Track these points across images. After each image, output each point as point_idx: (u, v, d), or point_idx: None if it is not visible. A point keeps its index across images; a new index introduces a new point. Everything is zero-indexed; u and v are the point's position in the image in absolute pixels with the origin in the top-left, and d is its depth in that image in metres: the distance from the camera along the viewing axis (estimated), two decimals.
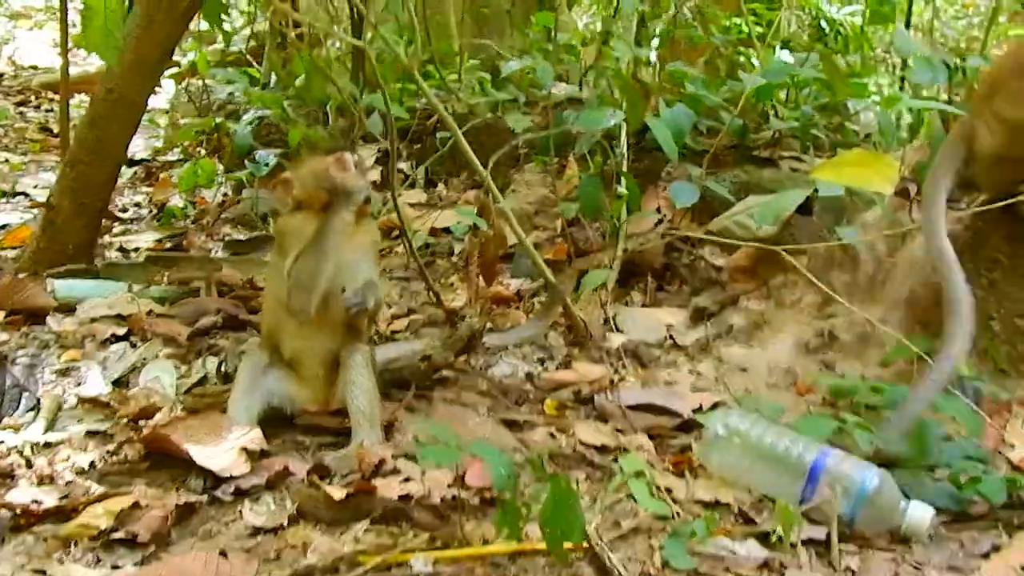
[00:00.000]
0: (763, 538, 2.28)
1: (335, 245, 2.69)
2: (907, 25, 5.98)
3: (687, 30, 5.31)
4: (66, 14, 4.76)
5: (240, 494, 2.32)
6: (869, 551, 2.28)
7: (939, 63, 3.83)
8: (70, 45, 4.54)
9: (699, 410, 2.95)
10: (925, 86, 4.16)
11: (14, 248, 4.23)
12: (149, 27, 3.61)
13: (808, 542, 2.26)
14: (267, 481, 2.36)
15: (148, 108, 4.08)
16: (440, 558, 2.08)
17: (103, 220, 4.15)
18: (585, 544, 2.11)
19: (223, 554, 2.03)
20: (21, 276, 3.63)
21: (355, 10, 4.58)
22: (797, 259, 3.42)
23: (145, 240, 4.58)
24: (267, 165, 4.85)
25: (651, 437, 2.79)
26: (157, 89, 6.46)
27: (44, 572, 1.98)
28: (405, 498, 2.28)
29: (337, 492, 2.25)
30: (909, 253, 3.35)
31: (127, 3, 3.62)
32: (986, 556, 2.28)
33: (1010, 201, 3.03)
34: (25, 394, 2.77)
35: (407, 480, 2.35)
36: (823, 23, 7.09)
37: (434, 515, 2.25)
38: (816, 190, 3.62)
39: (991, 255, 3.16)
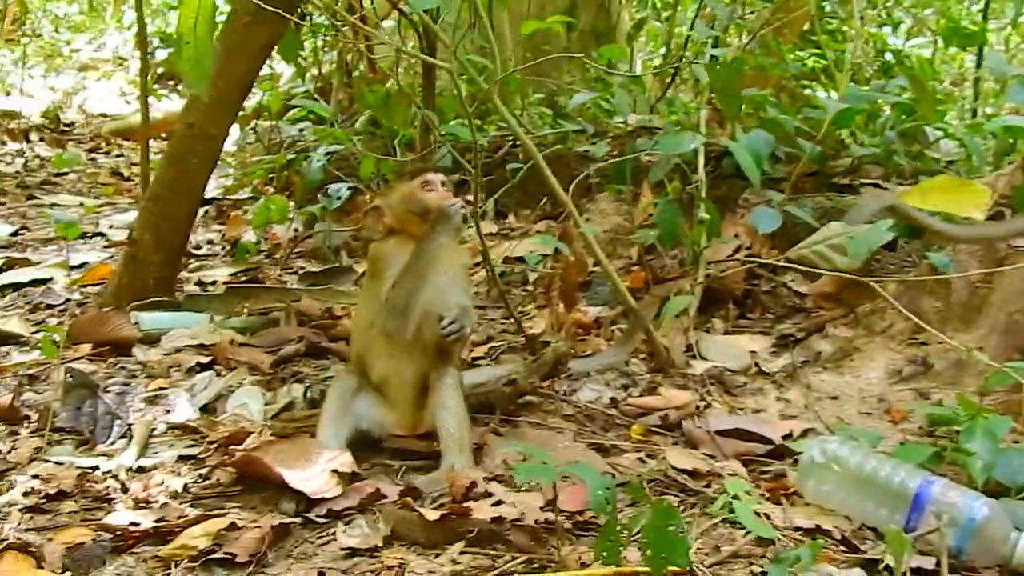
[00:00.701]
0: (868, 566, 2.20)
1: (431, 269, 2.68)
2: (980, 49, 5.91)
3: (756, 59, 5.27)
4: (146, 59, 4.85)
5: (333, 516, 2.31)
6: None
7: None
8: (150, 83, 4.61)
9: (789, 437, 2.88)
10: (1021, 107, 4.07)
11: (95, 285, 4.28)
12: (228, 63, 3.65)
13: (916, 572, 2.17)
14: (359, 503, 2.34)
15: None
16: None
17: (183, 255, 4.19)
18: (687, 568, 2.05)
19: (321, 574, 2.00)
20: (105, 310, 3.66)
21: (425, 42, 4.59)
22: (885, 286, 3.35)
23: (221, 275, 4.61)
24: (339, 198, 4.88)
25: (742, 463, 2.73)
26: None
27: None
28: (498, 520, 2.24)
29: (431, 514, 2.22)
30: (1008, 279, 3.25)
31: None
32: None
33: None
34: (117, 422, 2.78)
35: (499, 503, 2.31)
36: (888, 55, 7.03)
37: (529, 537, 2.20)
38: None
39: None
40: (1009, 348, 3.12)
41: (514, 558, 2.13)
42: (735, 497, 2.37)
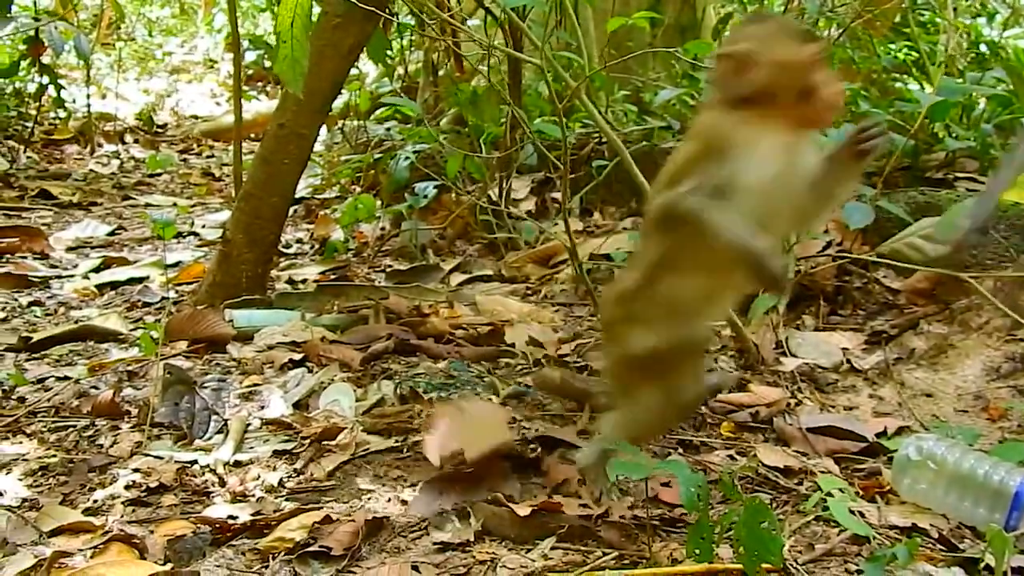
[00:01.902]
0: (967, 565, 2.16)
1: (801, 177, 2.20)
2: None
3: (845, 53, 5.18)
4: (239, 61, 4.95)
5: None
6: None
7: None
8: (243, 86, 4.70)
9: (883, 434, 2.83)
10: None
11: (189, 283, 4.39)
12: (318, 63, 3.70)
13: (1017, 572, 2.13)
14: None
15: None
16: None
17: (275, 253, 4.27)
18: (781, 566, 2.03)
19: (415, 568, 2.03)
20: (200, 308, 3.75)
21: (511, 40, 4.61)
22: (982, 283, 3.27)
23: (310, 273, 4.69)
24: (425, 197, 4.93)
25: (835, 461, 2.69)
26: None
27: None
28: (588, 517, 2.25)
29: (522, 509, 2.24)
30: None
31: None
32: None
33: None
34: (213, 417, 2.85)
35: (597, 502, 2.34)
36: (983, 47, 6.85)
37: (620, 533, 2.21)
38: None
39: None
40: None
41: (605, 554, 2.14)
42: (829, 494, 2.34)
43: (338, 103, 7.08)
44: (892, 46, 6.24)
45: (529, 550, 2.15)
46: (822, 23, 5.56)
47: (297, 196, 6.05)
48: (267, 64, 10.61)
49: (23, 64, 7.26)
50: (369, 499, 2.40)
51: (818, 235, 3.93)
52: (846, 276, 3.83)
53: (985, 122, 4.39)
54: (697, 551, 2.02)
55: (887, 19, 5.87)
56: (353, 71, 7.39)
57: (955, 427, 2.77)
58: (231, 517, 2.25)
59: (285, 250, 5.21)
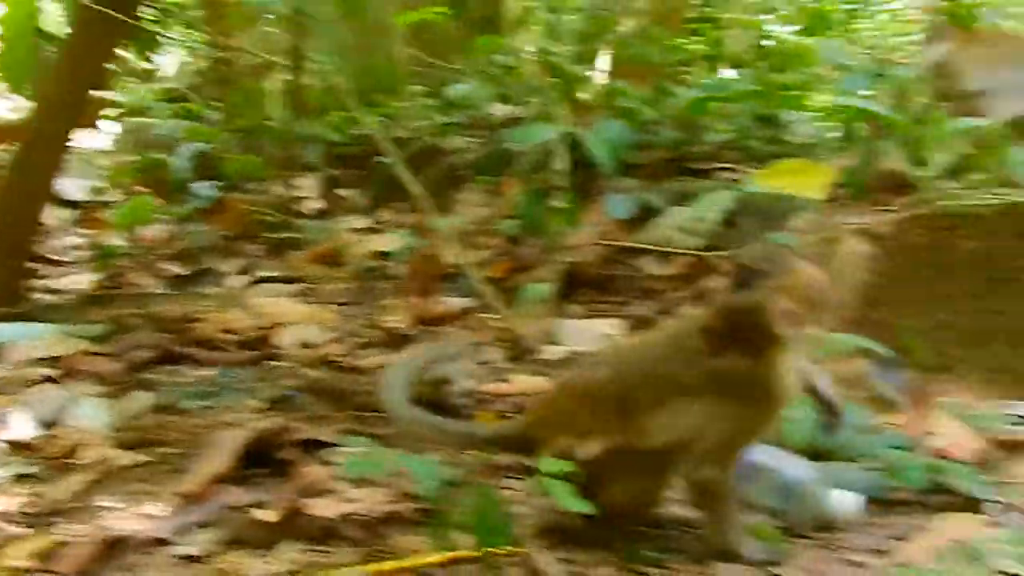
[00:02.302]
0: None
1: None
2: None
3: (632, 50, 5.37)
4: None
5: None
6: (798, 539, 2.31)
7: (866, 71, 3.92)
8: None
9: None
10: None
11: None
12: (70, 66, 3.60)
13: None
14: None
15: (86, 150, 4.05)
16: (371, 571, 2.08)
17: (29, 263, 4.09)
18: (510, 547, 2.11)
19: None
20: None
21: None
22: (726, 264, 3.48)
23: (82, 281, 4.53)
24: (206, 198, 4.84)
25: None
26: (98, 129, 6.49)
27: None
28: (346, 516, 2.28)
29: (269, 515, 2.25)
30: (836, 255, 3.40)
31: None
32: (907, 539, 2.32)
33: (939, 204, 3.11)
34: None
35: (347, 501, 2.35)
36: (765, 42, 7.21)
37: (365, 530, 2.24)
38: (739, 197, 3.66)
39: (916, 255, 3.22)
40: (840, 320, 3.25)
41: (352, 552, 2.17)
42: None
43: (123, 100, 6.91)
44: (682, 41, 6.51)
45: (274, 555, 2.16)
46: (611, 21, 5.77)
47: (76, 200, 5.87)
48: None
49: None
50: (113, 518, 2.33)
51: (588, 226, 4.08)
52: (613, 265, 4.00)
53: (742, 116, 4.66)
54: (435, 540, 2.09)
55: (678, 16, 6.12)
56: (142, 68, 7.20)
57: None
58: None
59: (59, 257, 5.02)
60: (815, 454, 2.59)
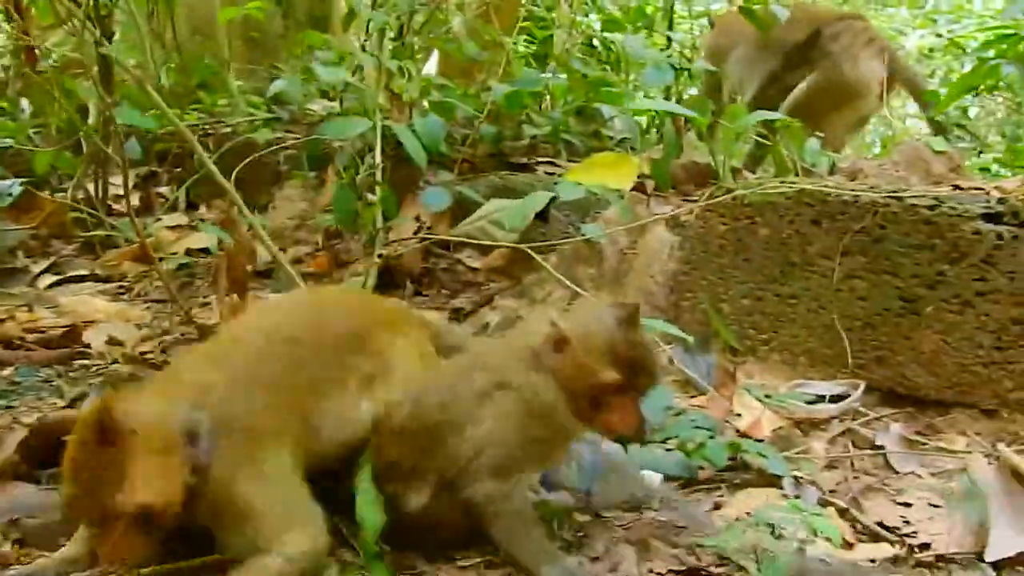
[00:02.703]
0: None
1: None
2: (670, 30, 6.36)
3: (457, 47, 5.41)
4: None
5: None
6: (605, 518, 2.39)
7: (666, 66, 4.08)
8: None
9: None
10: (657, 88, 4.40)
11: None
12: None
13: None
14: None
15: None
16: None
17: None
18: None
19: None
20: None
21: (100, 31, 4.44)
22: (546, 258, 3.56)
23: None
24: (10, 195, 4.63)
25: None
26: None
27: None
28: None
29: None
30: (645, 244, 3.53)
31: None
32: (709, 513, 2.44)
33: (735, 193, 3.25)
34: None
35: None
36: (594, 42, 7.40)
37: None
38: (554, 196, 3.74)
39: (718, 242, 3.36)
40: (648, 308, 3.38)
41: None
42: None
43: None
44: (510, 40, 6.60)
45: None
46: (436, 16, 5.80)
47: None
48: None
49: None
50: None
51: (407, 220, 4.11)
52: (433, 258, 4.04)
53: (555, 111, 4.77)
54: None
55: (508, 14, 6.19)
56: None
57: None
58: None
59: None
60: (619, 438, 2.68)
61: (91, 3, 3.91)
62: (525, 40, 6.87)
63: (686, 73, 4.13)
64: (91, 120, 4.99)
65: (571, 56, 5.77)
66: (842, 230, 3.02)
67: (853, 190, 3.04)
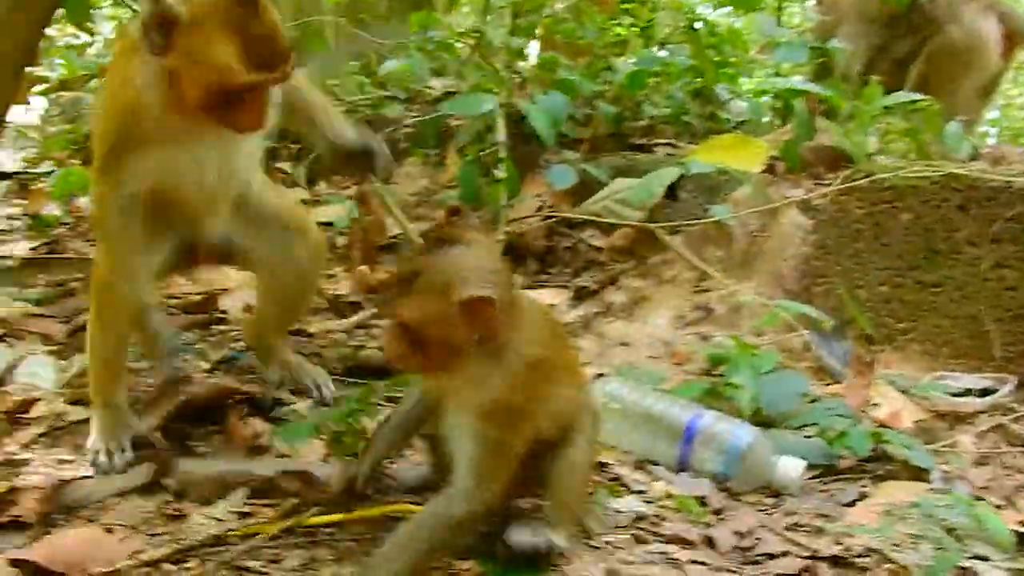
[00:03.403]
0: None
1: None
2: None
3: (564, 28, 5.40)
4: None
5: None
6: (744, 504, 2.38)
7: (800, 46, 4.01)
8: None
9: None
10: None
11: None
12: (6, 29, 3.51)
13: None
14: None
15: (19, 123, 3.95)
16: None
17: None
18: None
19: (108, 530, 2.03)
20: None
21: None
22: (673, 238, 3.55)
23: (20, 249, 4.45)
24: None
25: None
26: (28, 102, 6.36)
27: None
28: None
29: (210, 468, 2.27)
30: (777, 227, 3.49)
31: None
32: (852, 504, 2.41)
33: (874, 177, 3.19)
34: None
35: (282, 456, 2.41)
36: (696, 23, 7.30)
37: (301, 481, 2.26)
38: (683, 172, 3.71)
39: (855, 227, 3.31)
40: (778, 292, 3.35)
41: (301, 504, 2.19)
42: None
43: (54, 75, 6.77)
44: (614, 21, 6.56)
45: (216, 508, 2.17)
46: None
47: (9, 171, 5.77)
48: None
49: None
50: (66, 469, 2.34)
51: (529, 197, 4.12)
52: (556, 236, 4.03)
53: (678, 91, 4.72)
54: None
55: None
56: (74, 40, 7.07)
57: (642, 371, 3.00)
58: None
59: None
60: (759, 421, 2.66)
61: None
62: (627, 23, 6.80)
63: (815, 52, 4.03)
64: None
65: (676, 38, 5.73)
66: (991, 217, 2.94)
67: (1005, 176, 2.95)
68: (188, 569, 1.95)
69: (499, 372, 1.85)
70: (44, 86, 6.50)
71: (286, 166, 5.34)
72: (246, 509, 2.17)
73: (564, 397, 2.03)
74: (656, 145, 4.57)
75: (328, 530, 2.11)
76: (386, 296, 1.83)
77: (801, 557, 2.12)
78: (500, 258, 1.82)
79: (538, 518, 2.06)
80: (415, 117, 4.80)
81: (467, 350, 1.82)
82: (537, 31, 5.64)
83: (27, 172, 6.03)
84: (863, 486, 2.51)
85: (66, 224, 4.93)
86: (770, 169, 3.71)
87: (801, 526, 2.29)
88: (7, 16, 3.45)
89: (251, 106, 2.12)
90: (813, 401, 2.89)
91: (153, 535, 2.06)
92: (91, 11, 4.77)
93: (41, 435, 2.52)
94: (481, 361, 1.84)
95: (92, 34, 5.39)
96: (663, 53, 5.23)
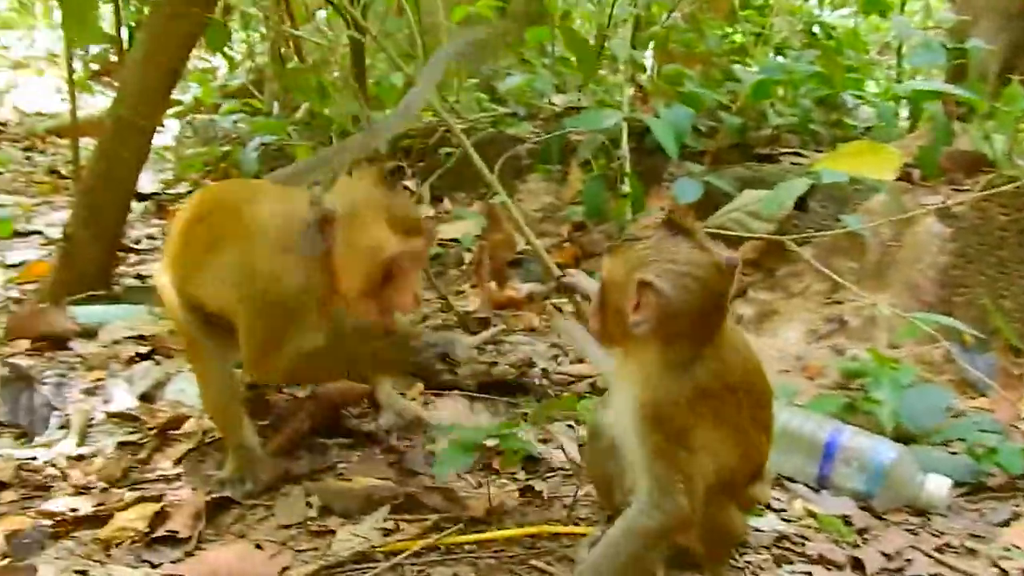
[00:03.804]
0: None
1: None
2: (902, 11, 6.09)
3: (683, 37, 5.38)
4: (70, 53, 4.88)
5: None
6: (889, 523, 2.32)
7: (937, 47, 3.91)
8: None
9: None
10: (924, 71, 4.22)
11: (32, 282, 4.28)
12: (153, 54, 3.67)
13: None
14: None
15: (156, 145, 4.11)
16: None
17: (119, 248, 4.21)
18: None
19: (258, 547, 2.09)
20: (42, 306, 3.68)
21: (357, 30, 4.65)
22: (803, 250, 3.49)
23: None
24: None
25: None
26: (163, 124, 6.64)
27: (86, 573, 2.03)
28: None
29: (356, 484, 2.33)
30: (912, 236, 3.40)
31: None
32: (1006, 524, 2.33)
33: (1018, 182, 3.09)
34: (54, 413, 2.82)
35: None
36: (815, 28, 7.18)
37: (443, 497, 2.32)
38: (813, 182, 3.65)
39: (998, 234, 3.21)
40: (915, 303, 3.26)
41: (443, 520, 2.23)
42: None
43: (187, 98, 7.04)
44: (730, 29, 6.50)
45: (362, 523, 2.23)
46: (655, 7, 5.77)
47: (147, 192, 6.01)
48: (113, 58, 10.34)
49: None
50: (214, 485, 2.42)
51: (654, 211, 4.09)
52: None
53: (803, 98, 4.65)
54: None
55: (723, 3, 6.10)
56: (203, 64, 7.34)
57: (775, 385, 2.95)
58: (72, 509, 2.25)
59: (135, 246, 5.13)
60: (900, 437, 2.60)
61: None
62: (742, 29, 6.71)
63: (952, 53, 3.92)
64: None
65: (793, 44, 5.64)
66: None
67: None
68: None
69: (671, 376, 1.84)
70: (177, 108, 6.77)
71: (411, 184, 5.45)
72: (389, 525, 2.22)
73: (728, 451, 1.95)
74: (781, 154, 4.51)
75: (470, 547, 2.14)
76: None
77: None
78: (711, 276, 1.81)
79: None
80: (537, 134, 4.83)
81: (634, 332, 1.81)
82: (652, 43, 5.64)
83: (165, 193, 6.28)
84: (1015, 505, 2.43)
85: None
86: (905, 176, 3.62)
87: (952, 547, 2.23)
88: (154, 43, 3.61)
89: (404, 284, 2.22)
90: (957, 416, 2.81)
91: (299, 551, 2.12)
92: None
93: (190, 450, 2.62)
94: (657, 358, 1.84)
95: (231, 61, 5.57)
96: (780, 59, 5.17)
